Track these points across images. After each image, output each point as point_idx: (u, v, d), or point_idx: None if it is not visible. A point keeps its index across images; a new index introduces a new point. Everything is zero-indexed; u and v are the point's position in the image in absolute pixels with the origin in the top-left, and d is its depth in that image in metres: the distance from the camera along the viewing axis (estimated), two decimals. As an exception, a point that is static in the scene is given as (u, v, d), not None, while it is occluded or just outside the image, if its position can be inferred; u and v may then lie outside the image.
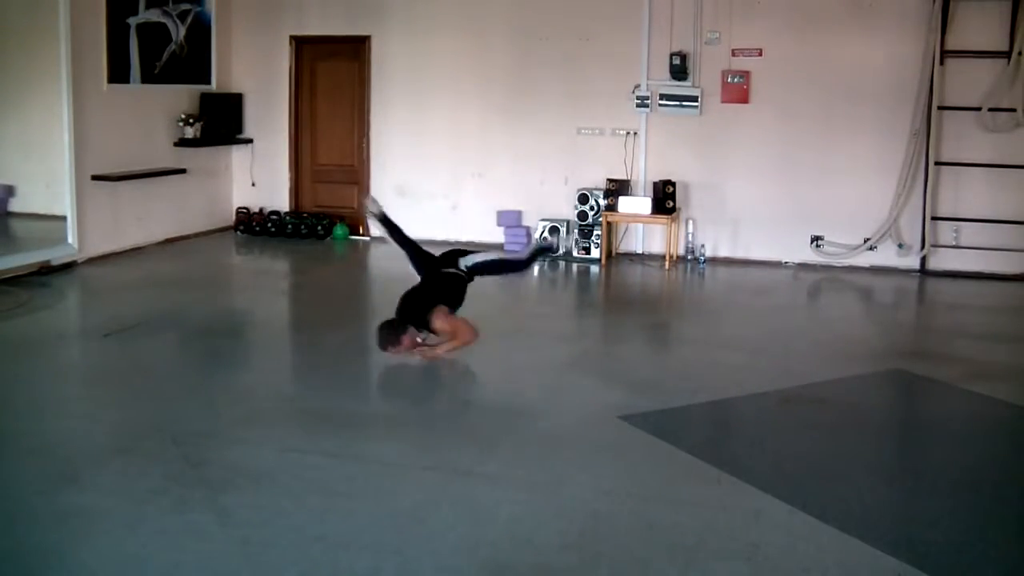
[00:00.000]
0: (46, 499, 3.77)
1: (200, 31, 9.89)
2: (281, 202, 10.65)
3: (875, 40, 8.81)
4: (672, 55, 9.11)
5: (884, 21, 8.78)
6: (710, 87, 9.21)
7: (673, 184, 9.10)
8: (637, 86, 9.38)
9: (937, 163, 8.72)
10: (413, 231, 10.11)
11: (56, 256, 8.16)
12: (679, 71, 9.12)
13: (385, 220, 6.36)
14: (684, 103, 9.22)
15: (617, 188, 9.20)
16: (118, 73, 8.75)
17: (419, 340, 5.69)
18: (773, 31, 9.02)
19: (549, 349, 6.21)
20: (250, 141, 10.57)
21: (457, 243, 9.89)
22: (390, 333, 5.58)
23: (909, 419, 5.34)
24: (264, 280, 8.79)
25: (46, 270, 8.01)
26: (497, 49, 9.77)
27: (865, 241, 9.01)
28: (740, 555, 3.43)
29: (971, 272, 8.76)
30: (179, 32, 9.57)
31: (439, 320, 5.63)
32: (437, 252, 6.24)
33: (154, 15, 9.19)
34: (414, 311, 5.68)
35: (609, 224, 9.29)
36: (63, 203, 8.26)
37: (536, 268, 6.58)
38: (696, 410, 5.06)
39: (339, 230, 10.30)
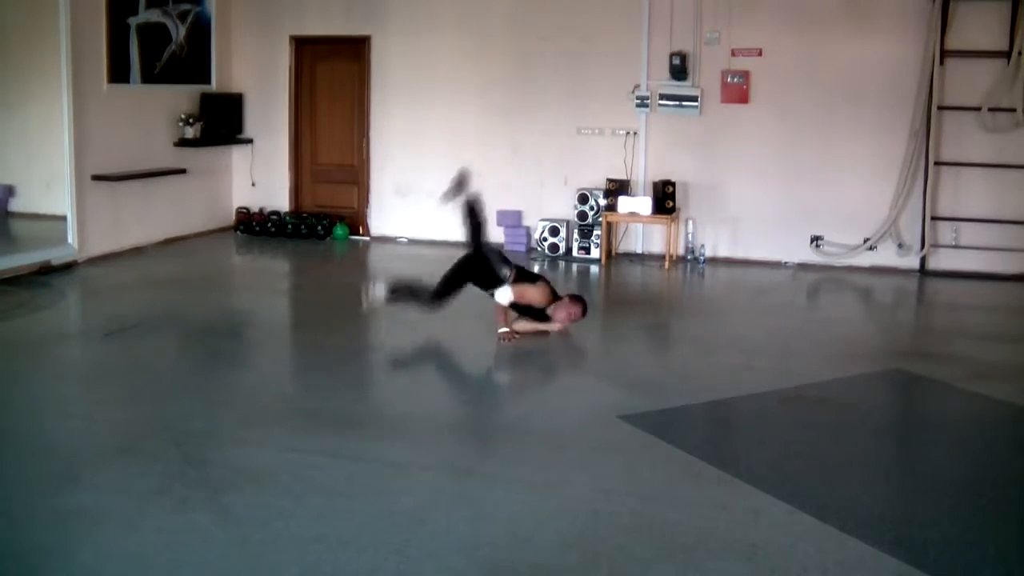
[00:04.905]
0: (46, 499, 3.78)
1: (200, 31, 9.89)
2: (281, 202, 10.65)
3: (875, 40, 8.81)
4: (672, 55, 9.12)
5: (884, 21, 8.78)
6: (710, 87, 9.21)
7: (673, 184, 9.10)
8: (637, 86, 9.39)
9: (937, 163, 8.73)
10: (413, 231, 10.24)
11: (56, 256, 8.16)
12: (679, 71, 9.12)
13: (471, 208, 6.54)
14: (684, 103, 9.22)
15: (617, 188, 9.20)
16: (118, 73, 8.75)
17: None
18: (773, 31, 9.02)
19: (549, 348, 6.20)
20: (250, 141, 10.57)
21: (457, 242, 9.91)
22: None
23: (909, 419, 5.34)
24: (264, 280, 8.78)
25: (46, 270, 8.01)
26: (497, 49, 9.77)
27: (865, 241, 9.01)
28: (740, 555, 3.43)
29: (971, 272, 8.77)
30: (179, 32, 9.57)
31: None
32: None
33: (154, 15, 9.20)
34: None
35: (609, 224, 9.29)
36: (63, 203, 8.26)
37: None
38: (696, 410, 5.06)
39: (339, 230, 10.30)
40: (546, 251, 9.47)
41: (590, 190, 9.35)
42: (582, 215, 9.36)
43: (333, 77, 10.40)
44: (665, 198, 9.04)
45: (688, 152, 9.37)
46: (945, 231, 8.86)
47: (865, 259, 9.08)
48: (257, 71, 10.49)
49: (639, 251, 9.69)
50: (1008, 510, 3.91)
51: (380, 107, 10.23)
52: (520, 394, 5.45)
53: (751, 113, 9.17)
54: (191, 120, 9.70)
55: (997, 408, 5.22)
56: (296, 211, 10.59)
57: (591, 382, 5.55)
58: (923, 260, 8.88)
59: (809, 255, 9.21)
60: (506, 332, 6.21)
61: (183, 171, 9.67)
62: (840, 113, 8.95)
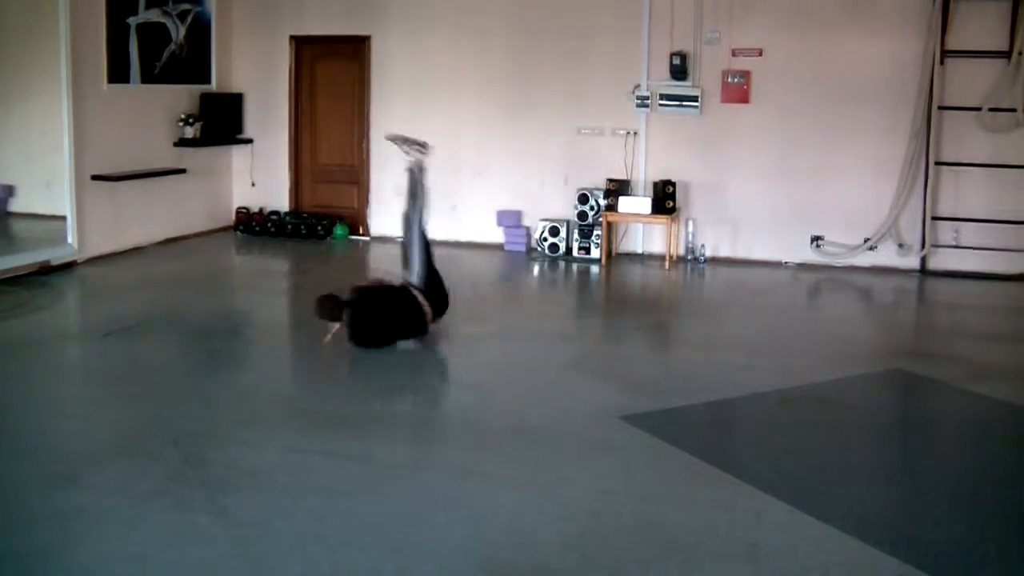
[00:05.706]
0: (46, 499, 3.77)
1: (200, 31, 9.89)
2: (281, 202, 10.64)
3: (875, 40, 8.81)
4: (672, 55, 9.11)
5: (884, 21, 8.78)
6: (710, 87, 9.20)
7: (673, 184, 9.10)
8: (637, 86, 9.38)
9: (937, 163, 8.72)
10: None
11: (56, 256, 8.16)
12: (679, 71, 9.12)
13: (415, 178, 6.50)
14: (684, 103, 9.22)
15: (617, 188, 9.20)
16: (118, 73, 8.75)
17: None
18: (773, 31, 9.02)
19: (550, 349, 6.20)
20: (250, 141, 10.57)
21: (457, 242, 9.89)
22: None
23: (909, 419, 5.34)
24: (264, 280, 8.78)
25: (46, 270, 8.01)
26: (497, 48, 9.77)
27: (865, 241, 9.01)
28: (740, 555, 3.43)
29: (971, 272, 8.76)
30: (179, 32, 9.56)
31: None
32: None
33: (154, 15, 9.19)
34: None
35: (609, 224, 9.28)
36: (63, 203, 8.26)
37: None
38: (696, 410, 5.06)
39: (339, 230, 10.30)
40: (546, 251, 9.47)
41: (590, 190, 9.34)
42: (582, 215, 9.35)
43: (333, 77, 10.40)
44: (665, 198, 9.03)
45: (688, 152, 9.36)
46: (945, 231, 8.86)
47: (865, 259, 9.07)
48: (257, 71, 10.49)
49: (639, 251, 9.68)
50: (1008, 510, 3.91)
51: (380, 107, 10.22)
52: (520, 394, 5.44)
53: (751, 113, 9.16)
54: (191, 120, 9.69)
55: (997, 408, 5.22)
56: (296, 211, 10.59)
57: (592, 382, 5.55)
58: (923, 260, 8.88)
59: (809, 255, 9.21)
60: None
61: (183, 171, 9.66)
62: (840, 113, 8.95)
